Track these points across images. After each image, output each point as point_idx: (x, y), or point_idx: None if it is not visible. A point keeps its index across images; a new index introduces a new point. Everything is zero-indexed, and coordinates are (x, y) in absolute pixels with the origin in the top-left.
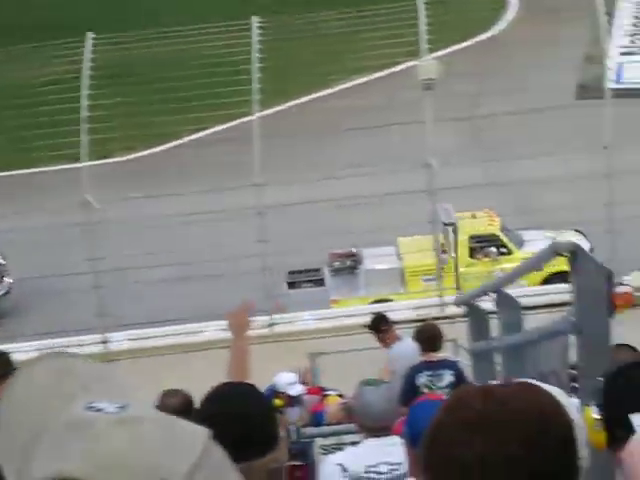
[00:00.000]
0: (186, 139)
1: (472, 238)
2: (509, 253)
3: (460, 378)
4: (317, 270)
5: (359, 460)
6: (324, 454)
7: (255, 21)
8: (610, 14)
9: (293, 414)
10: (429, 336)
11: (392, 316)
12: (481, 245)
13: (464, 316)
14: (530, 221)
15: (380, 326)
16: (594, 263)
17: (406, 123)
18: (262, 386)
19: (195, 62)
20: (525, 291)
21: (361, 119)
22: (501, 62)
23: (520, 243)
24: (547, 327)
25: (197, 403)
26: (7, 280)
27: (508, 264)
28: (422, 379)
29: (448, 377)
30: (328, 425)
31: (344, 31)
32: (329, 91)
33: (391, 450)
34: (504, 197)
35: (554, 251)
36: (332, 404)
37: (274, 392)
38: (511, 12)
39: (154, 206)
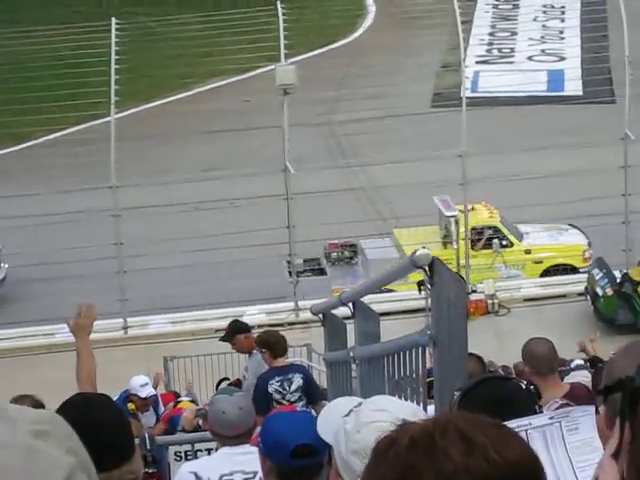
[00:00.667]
0: (40, 140)
1: (473, 230)
2: (510, 245)
3: (309, 381)
4: (316, 260)
5: (213, 468)
6: (178, 461)
7: (114, 22)
8: (468, 23)
9: (149, 419)
10: (275, 342)
11: (245, 320)
12: (482, 237)
13: (321, 324)
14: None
15: (238, 332)
16: (450, 274)
17: (264, 127)
18: (119, 390)
19: (51, 62)
20: (384, 297)
21: (219, 122)
22: (360, 68)
23: (520, 236)
24: (404, 338)
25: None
26: (4, 265)
27: (510, 256)
28: (273, 385)
29: (298, 380)
30: (182, 432)
31: (203, 34)
32: (187, 94)
33: (245, 459)
34: (362, 202)
35: (413, 263)
36: (187, 410)
37: (128, 396)
38: (370, 19)
39: (5, 207)
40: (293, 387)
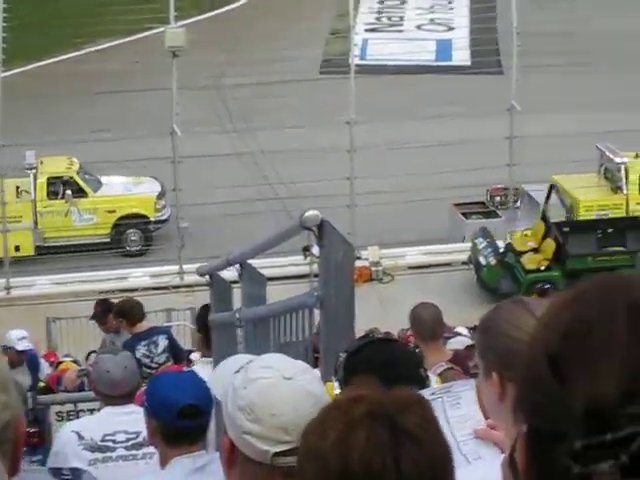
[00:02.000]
0: None
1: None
2: (85, 195)
3: (173, 341)
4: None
5: (96, 428)
6: (59, 421)
7: None
8: None
9: (23, 377)
10: (130, 308)
11: (129, 284)
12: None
13: (206, 285)
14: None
15: (109, 312)
16: (339, 237)
17: (152, 90)
18: None
19: None
20: (270, 262)
21: (108, 83)
22: (249, 32)
23: (97, 186)
24: (291, 300)
25: None
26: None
27: (84, 205)
28: (140, 351)
29: (163, 342)
30: (65, 392)
31: None
32: (76, 54)
33: (129, 419)
34: (246, 167)
35: (301, 225)
36: (70, 370)
37: (4, 349)
38: None
39: None
40: (159, 349)
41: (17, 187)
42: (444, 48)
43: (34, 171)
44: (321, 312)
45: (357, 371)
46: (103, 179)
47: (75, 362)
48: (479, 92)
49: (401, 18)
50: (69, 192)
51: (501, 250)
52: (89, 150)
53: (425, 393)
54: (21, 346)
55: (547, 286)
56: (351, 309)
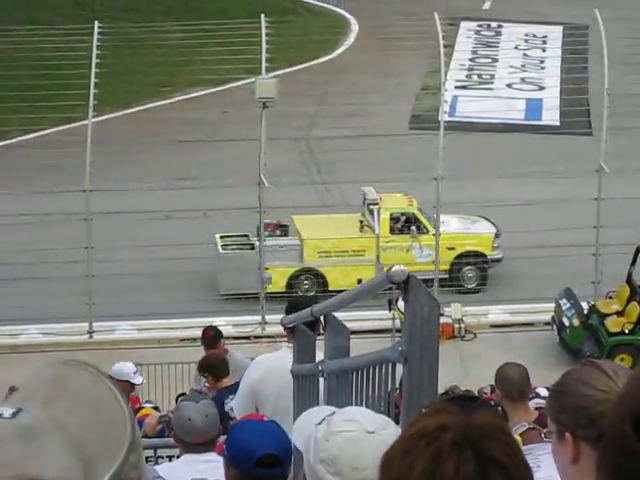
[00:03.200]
0: (16, 139)
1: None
2: (426, 231)
3: None
4: (246, 236)
5: (177, 474)
6: None
7: (96, 26)
8: (450, 47)
9: None
10: (218, 365)
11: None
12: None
13: (290, 337)
14: None
15: (215, 339)
16: (426, 292)
17: (241, 140)
18: None
19: (31, 63)
20: (353, 316)
21: (196, 132)
22: (339, 86)
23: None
24: (375, 354)
25: None
26: None
27: (425, 242)
28: (229, 404)
29: None
30: (144, 438)
31: (185, 43)
32: (166, 102)
33: (208, 467)
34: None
35: (388, 279)
36: (150, 416)
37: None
38: (352, 37)
39: None
40: None
41: (360, 222)
42: (534, 107)
43: (377, 206)
44: (404, 367)
45: None
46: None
47: (156, 408)
48: (567, 152)
49: (492, 76)
50: (413, 228)
51: (585, 312)
52: (175, 197)
53: None
54: (137, 380)
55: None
56: (435, 366)
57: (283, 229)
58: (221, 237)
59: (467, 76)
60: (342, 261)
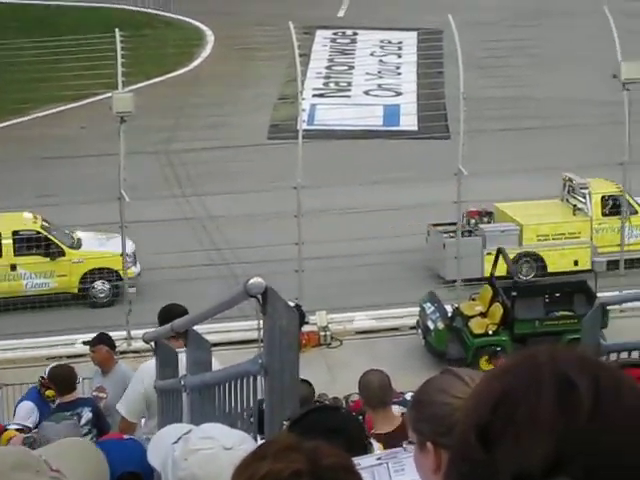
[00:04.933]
0: None
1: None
2: (635, 212)
3: (98, 414)
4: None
5: None
6: None
7: None
8: (306, 56)
9: None
10: (65, 377)
11: (75, 350)
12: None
13: (152, 352)
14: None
15: (103, 343)
16: (284, 304)
17: (100, 155)
18: None
19: None
20: (214, 328)
21: (55, 148)
22: (197, 98)
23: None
24: (235, 367)
25: None
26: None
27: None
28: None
29: (87, 414)
30: None
31: (41, 59)
32: (24, 119)
33: None
34: (195, 232)
35: (245, 292)
36: (15, 438)
37: None
38: (208, 49)
39: None
40: (83, 421)
41: (574, 205)
42: (392, 113)
43: (587, 190)
44: (265, 380)
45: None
46: None
47: (20, 430)
48: (426, 157)
49: (349, 83)
50: (625, 209)
51: (449, 314)
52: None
53: (371, 459)
54: None
55: (498, 349)
56: (296, 377)
57: (490, 216)
58: (434, 225)
59: (324, 84)
60: (561, 244)
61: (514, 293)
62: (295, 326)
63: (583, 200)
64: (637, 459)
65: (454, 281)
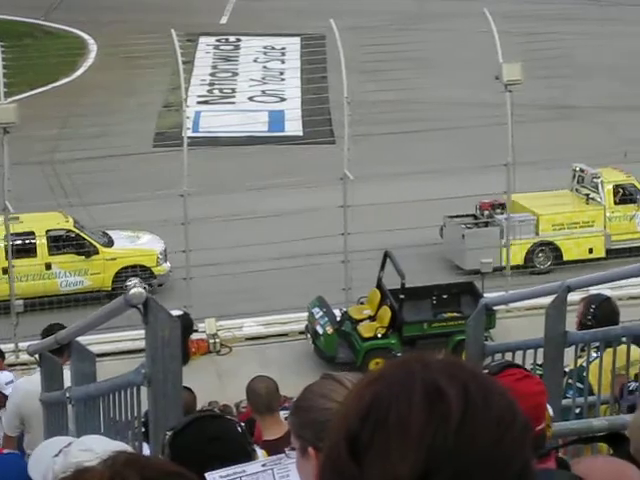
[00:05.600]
0: None
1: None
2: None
3: None
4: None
5: None
6: None
7: None
8: (190, 63)
9: None
10: None
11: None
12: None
13: (38, 364)
14: None
15: None
16: (166, 314)
17: None
18: None
19: None
20: (103, 338)
21: None
22: (81, 107)
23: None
24: (119, 378)
25: None
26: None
27: None
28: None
29: None
30: None
31: None
32: None
33: None
34: None
35: (126, 303)
36: None
37: None
38: (91, 58)
39: None
40: None
41: (587, 195)
42: (277, 119)
43: (599, 179)
44: (149, 390)
45: (185, 448)
46: None
47: None
48: (312, 162)
49: (233, 90)
50: (639, 197)
51: (338, 319)
52: None
53: (256, 465)
54: (9, 391)
55: (393, 351)
56: (179, 386)
57: (502, 207)
58: (450, 217)
59: (209, 91)
60: (577, 232)
61: (402, 296)
62: (177, 336)
63: (594, 190)
64: (504, 469)
65: (476, 272)
